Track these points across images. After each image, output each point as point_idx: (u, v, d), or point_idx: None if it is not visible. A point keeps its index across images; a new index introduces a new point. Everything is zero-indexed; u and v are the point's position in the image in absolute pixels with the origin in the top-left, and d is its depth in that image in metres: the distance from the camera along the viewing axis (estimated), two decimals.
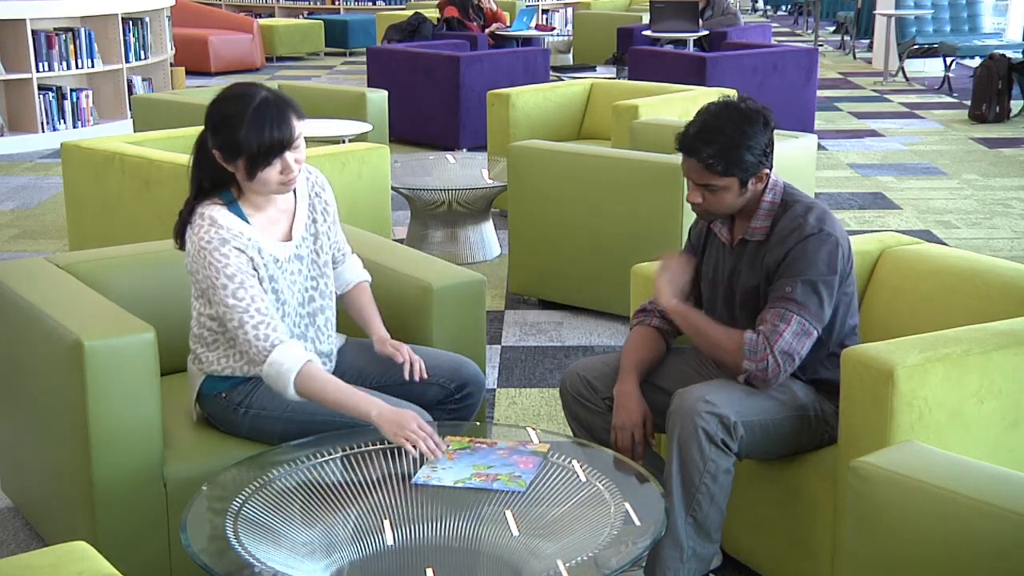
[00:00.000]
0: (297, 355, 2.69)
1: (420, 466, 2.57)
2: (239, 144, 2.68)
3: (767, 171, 2.81)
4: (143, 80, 10.07)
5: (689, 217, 4.55)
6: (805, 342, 2.73)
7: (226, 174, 2.77)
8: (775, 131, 2.88)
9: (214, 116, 2.74)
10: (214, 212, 2.76)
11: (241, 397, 2.84)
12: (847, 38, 16.76)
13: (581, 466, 2.61)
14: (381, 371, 2.99)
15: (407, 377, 2.88)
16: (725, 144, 2.74)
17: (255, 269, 2.76)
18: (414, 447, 2.57)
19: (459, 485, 2.50)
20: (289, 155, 2.72)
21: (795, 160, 4.99)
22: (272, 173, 2.72)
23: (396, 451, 2.65)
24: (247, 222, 2.79)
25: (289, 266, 2.85)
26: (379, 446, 2.66)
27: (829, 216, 2.81)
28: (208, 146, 2.76)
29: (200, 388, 2.88)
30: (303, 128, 2.75)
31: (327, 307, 2.96)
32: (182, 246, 2.85)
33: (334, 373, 2.96)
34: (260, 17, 16.36)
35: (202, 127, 2.78)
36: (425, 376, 2.90)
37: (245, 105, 2.69)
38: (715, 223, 2.95)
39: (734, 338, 2.75)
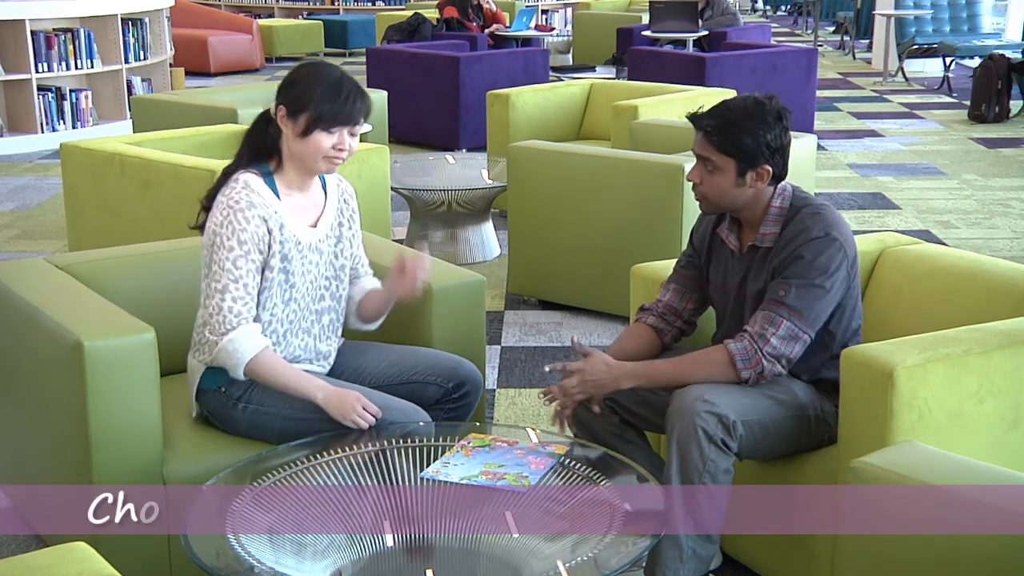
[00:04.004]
0: (258, 340, 2.75)
1: (432, 461, 2.59)
2: (309, 100, 2.76)
3: (768, 168, 2.80)
4: (142, 80, 10.07)
5: (689, 217, 4.55)
6: (794, 346, 2.73)
7: (271, 144, 2.84)
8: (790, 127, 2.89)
9: (291, 76, 2.85)
10: (249, 178, 2.82)
11: (240, 392, 2.84)
12: (846, 38, 16.76)
13: (581, 466, 2.61)
14: (380, 371, 2.99)
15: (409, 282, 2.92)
16: (728, 120, 2.77)
17: (270, 245, 2.80)
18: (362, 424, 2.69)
19: (464, 482, 2.51)
20: (349, 135, 2.80)
21: (795, 160, 4.95)
22: (326, 141, 2.78)
23: (396, 451, 2.65)
24: (277, 196, 2.83)
25: (309, 254, 2.89)
26: (379, 446, 2.66)
27: (837, 220, 2.80)
28: (267, 114, 2.85)
29: (200, 383, 2.89)
30: (364, 127, 2.85)
31: (335, 308, 2.98)
32: (202, 225, 2.87)
33: (332, 372, 2.98)
34: (260, 17, 16.35)
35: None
36: (425, 275, 2.94)
37: (327, 74, 2.80)
38: (721, 228, 2.94)
39: (718, 357, 2.74)
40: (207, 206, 2.86)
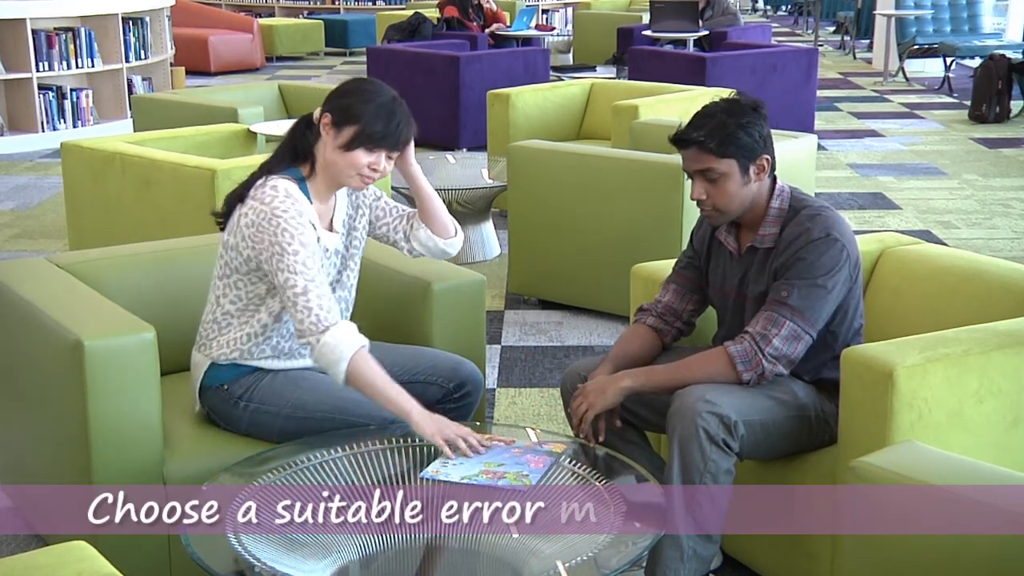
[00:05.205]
0: (357, 336, 2.68)
1: (430, 462, 2.59)
2: (357, 115, 2.75)
3: (767, 157, 2.80)
4: (143, 80, 10.07)
5: (689, 218, 4.56)
6: (796, 346, 2.73)
7: (307, 148, 2.83)
8: (773, 131, 2.88)
9: (345, 86, 2.83)
10: (288, 186, 2.79)
11: (242, 391, 2.85)
12: (847, 38, 16.76)
13: (581, 466, 2.61)
14: (386, 370, 3.00)
15: None
16: (717, 124, 2.76)
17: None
18: (453, 449, 2.60)
19: (465, 482, 2.51)
20: (386, 159, 2.78)
21: (795, 160, 4.99)
22: (364, 159, 2.77)
23: (396, 451, 2.65)
24: (310, 203, 2.83)
25: (332, 257, 2.91)
26: (379, 446, 2.66)
27: (838, 221, 2.79)
28: (308, 118, 2.84)
29: (203, 380, 2.89)
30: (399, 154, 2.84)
31: (344, 298, 2.99)
32: (225, 216, 2.86)
33: None
34: (260, 17, 16.35)
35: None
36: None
37: (382, 94, 2.79)
38: (720, 231, 2.94)
39: (717, 359, 2.74)
40: (242, 195, 2.84)
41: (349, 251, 2.98)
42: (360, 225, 3.00)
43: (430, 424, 2.64)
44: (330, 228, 2.92)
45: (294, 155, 2.86)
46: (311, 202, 2.83)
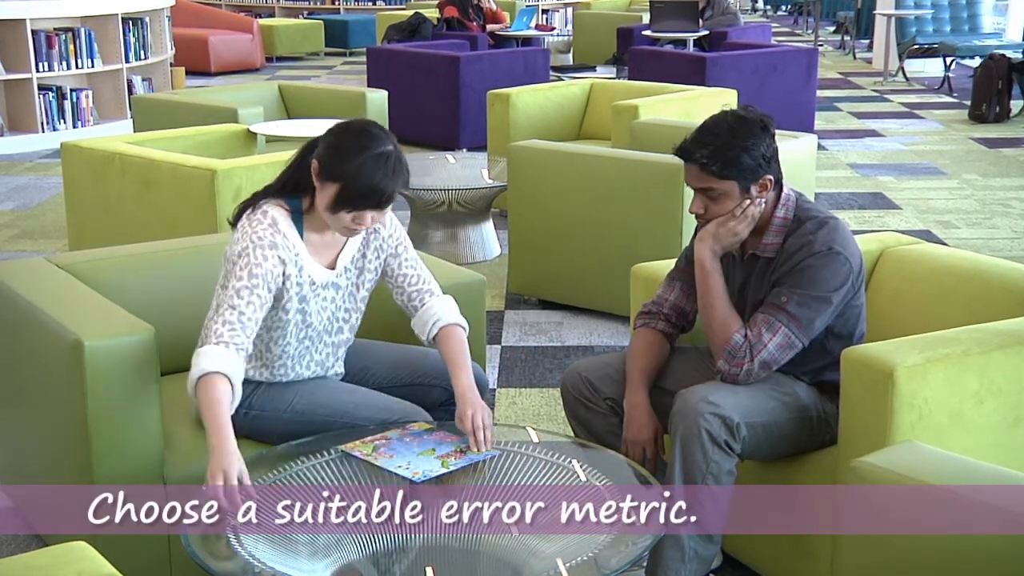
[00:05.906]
0: (220, 363, 2.59)
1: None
2: (342, 173, 2.67)
3: (769, 177, 2.78)
4: (143, 80, 10.07)
5: (688, 218, 4.55)
6: (787, 353, 2.73)
7: (309, 184, 2.76)
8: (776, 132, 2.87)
9: (337, 134, 2.73)
10: (278, 215, 2.76)
11: (242, 398, 2.83)
12: (847, 38, 16.76)
13: (581, 466, 2.61)
14: (384, 372, 3.00)
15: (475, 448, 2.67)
16: (720, 145, 2.73)
17: (286, 287, 2.75)
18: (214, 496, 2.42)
19: (450, 468, 2.54)
20: (373, 213, 2.72)
21: (795, 160, 4.99)
22: (347, 216, 2.71)
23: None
24: (301, 237, 2.79)
25: (324, 291, 2.85)
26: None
27: (841, 232, 2.77)
28: (312, 151, 2.76)
29: None
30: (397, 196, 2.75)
31: (346, 342, 2.96)
32: (234, 224, 2.85)
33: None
34: (260, 17, 16.36)
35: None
36: (487, 448, 2.70)
37: (372, 144, 2.68)
38: None
39: (725, 331, 2.75)
40: (234, 223, 2.83)
41: (360, 292, 2.94)
42: (372, 267, 2.94)
43: (214, 463, 2.42)
44: (332, 265, 2.87)
45: (295, 185, 2.81)
46: (302, 235, 2.79)
